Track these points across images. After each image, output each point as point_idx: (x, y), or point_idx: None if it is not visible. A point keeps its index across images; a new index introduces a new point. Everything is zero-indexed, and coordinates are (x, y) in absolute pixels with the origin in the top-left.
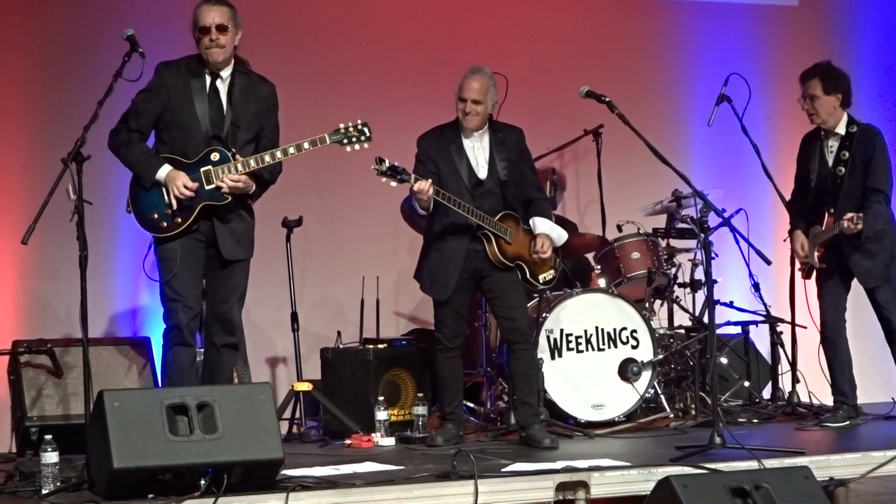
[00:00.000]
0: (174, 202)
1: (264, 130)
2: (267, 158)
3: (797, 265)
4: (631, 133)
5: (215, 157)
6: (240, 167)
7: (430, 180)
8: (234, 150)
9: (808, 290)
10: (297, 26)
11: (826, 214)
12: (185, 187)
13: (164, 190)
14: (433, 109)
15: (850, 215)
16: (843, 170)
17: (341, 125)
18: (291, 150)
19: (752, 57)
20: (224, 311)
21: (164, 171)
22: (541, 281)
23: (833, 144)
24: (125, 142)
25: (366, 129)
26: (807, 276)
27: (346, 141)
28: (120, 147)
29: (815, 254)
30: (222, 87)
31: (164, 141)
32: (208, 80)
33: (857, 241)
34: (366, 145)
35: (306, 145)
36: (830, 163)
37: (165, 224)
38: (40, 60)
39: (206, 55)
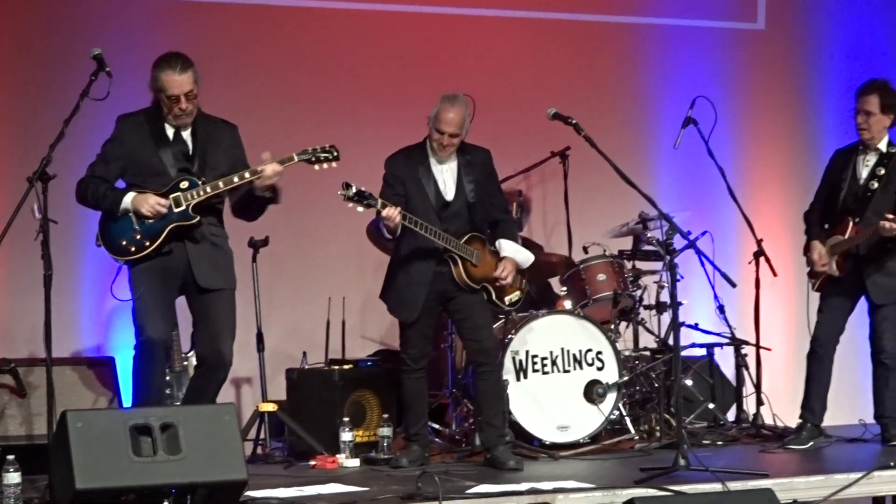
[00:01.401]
0: (149, 215)
1: (236, 169)
2: (235, 179)
3: (808, 279)
4: (598, 155)
5: (185, 184)
6: (209, 189)
7: (398, 207)
8: (203, 178)
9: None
10: (267, 47)
11: (850, 224)
12: (158, 203)
13: (132, 216)
14: (402, 130)
15: (890, 215)
16: (876, 184)
17: (309, 147)
18: (260, 169)
19: (718, 80)
20: (217, 343)
21: (130, 196)
22: (507, 302)
23: (871, 159)
24: (90, 186)
25: (333, 150)
26: (818, 287)
27: (314, 159)
28: (86, 193)
29: (834, 263)
30: (186, 133)
31: (134, 185)
32: (170, 129)
33: (874, 254)
34: (334, 164)
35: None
36: (864, 175)
37: (134, 248)
38: (5, 79)
39: (173, 120)
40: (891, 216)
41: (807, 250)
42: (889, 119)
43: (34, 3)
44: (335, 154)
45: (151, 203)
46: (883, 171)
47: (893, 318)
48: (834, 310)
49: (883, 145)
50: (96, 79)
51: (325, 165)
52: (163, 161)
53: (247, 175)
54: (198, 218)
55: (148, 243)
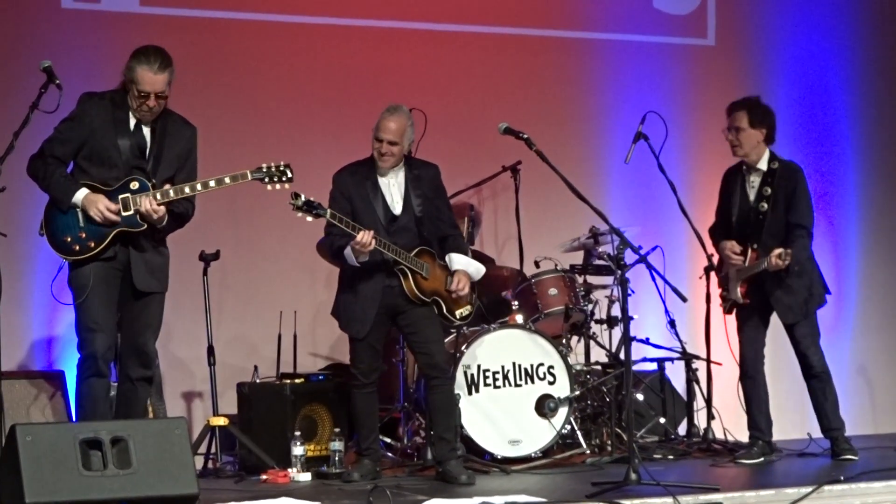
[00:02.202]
0: (98, 220)
1: (182, 171)
2: (187, 190)
3: (718, 302)
4: (549, 170)
5: (135, 185)
6: (159, 196)
7: (371, 231)
8: (154, 181)
9: (727, 325)
10: (217, 61)
11: (749, 250)
12: (108, 209)
13: (80, 213)
14: (351, 145)
15: (778, 251)
16: (766, 205)
17: (264, 164)
18: (212, 183)
19: (668, 95)
20: (140, 343)
21: (82, 194)
22: (457, 316)
23: (755, 180)
24: (43, 167)
25: (288, 171)
26: (728, 311)
27: (267, 180)
28: (38, 171)
29: (739, 290)
30: (146, 126)
31: (83, 169)
32: (132, 117)
33: (782, 275)
34: (286, 186)
35: (227, 180)
36: (752, 198)
37: (78, 247)
38: None
39: (137, 112)
40: (777, 251)
41: (719, 268)
42: (760, 133)
43: None
44: (289, 175)
45: (101, 208)
46: (769, 191)
47: (810, 333)
48: (751, 331)
49: (763, 164)
50: (46, 91)
51: (277, 186)
52: (119, 151)
53: (198, 187)
54: (145, 226)
55: (92, 244)
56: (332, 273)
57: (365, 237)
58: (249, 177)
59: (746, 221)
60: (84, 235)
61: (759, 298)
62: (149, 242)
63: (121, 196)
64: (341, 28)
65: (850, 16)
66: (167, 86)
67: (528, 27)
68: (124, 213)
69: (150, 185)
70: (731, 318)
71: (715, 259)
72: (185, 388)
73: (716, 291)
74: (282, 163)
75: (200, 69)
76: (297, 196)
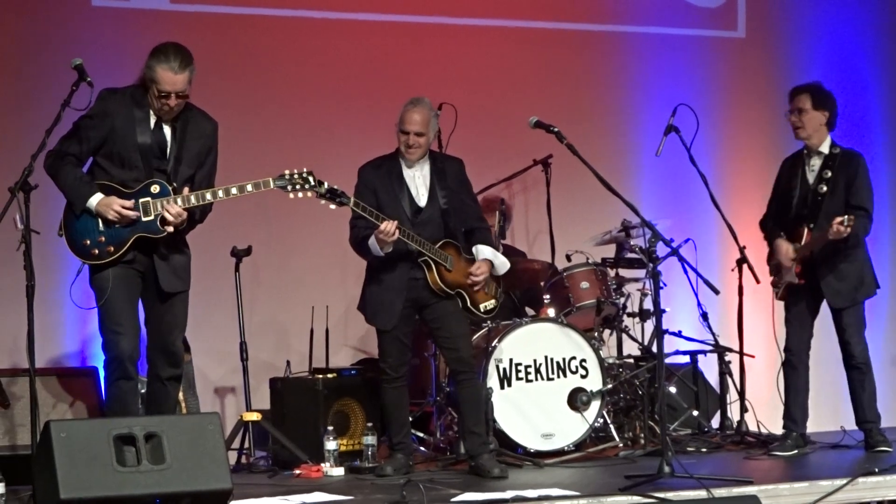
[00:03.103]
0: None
1: (203, 168)
2: (208, 196)
3: (772, 289)
4: (580, 163)
5: (155, 189)
6: (180, 202)
7: (394, 222)
8: (175, 184)
9: (775, 313)
10: (244, 57)
11: (805, 230)
12: (123, 207)
13: (97, 217)
14: (379, 140)
15: (840, 218)
16: (825, 188)
17: (286, 171)
18: (234, 190)
19: (699, 88)
20: (168, 342)
21: (96, 199)
22: (482, 310)
23: (815, 163)
24: (60, 165)
25: (311, 178)
26: (781, 296)
27: (289, 187)
28: (55, 169)
29: (794, 270)
30: (166, 125)
31: (102, 168)
32: (153, 117)
33: (836, 259)
34: (309, 194)
35: (249, 187)
36: (812, 181)
37: (97, 251)
38: None
39: (158, 111)
40: (839, 219)
41: (770, 257)
42: (823, 116)
43: (13, 13)
44: (312, 183)
45: (117, 209)
46: (830, 174)
47: (856, 322)
48: (800, 318)
49: (825, 147)
50: (77, 89)
51: (300, 194)
52: (139, 152)
53: (220, 193)
54: (165, 233)
55: (112, 249)
56: (364, 268)
57: (389, 226)
58: (272, 184)
59: (804, 203)
60: (103, 240)
61: (810, 284)
62: (168, 244)
63: (141, 200)
64: (368, 24)
65: (881, 7)
66: (188, 84)
67: (557, 21)
68: (144, 219)
69: (170, 188)
70: (770, 310)
71: (747, 251)
72: (218, 384)
73: (748, 284)
74: (304, 170)
75: (227, 66)
76: (320, 183)
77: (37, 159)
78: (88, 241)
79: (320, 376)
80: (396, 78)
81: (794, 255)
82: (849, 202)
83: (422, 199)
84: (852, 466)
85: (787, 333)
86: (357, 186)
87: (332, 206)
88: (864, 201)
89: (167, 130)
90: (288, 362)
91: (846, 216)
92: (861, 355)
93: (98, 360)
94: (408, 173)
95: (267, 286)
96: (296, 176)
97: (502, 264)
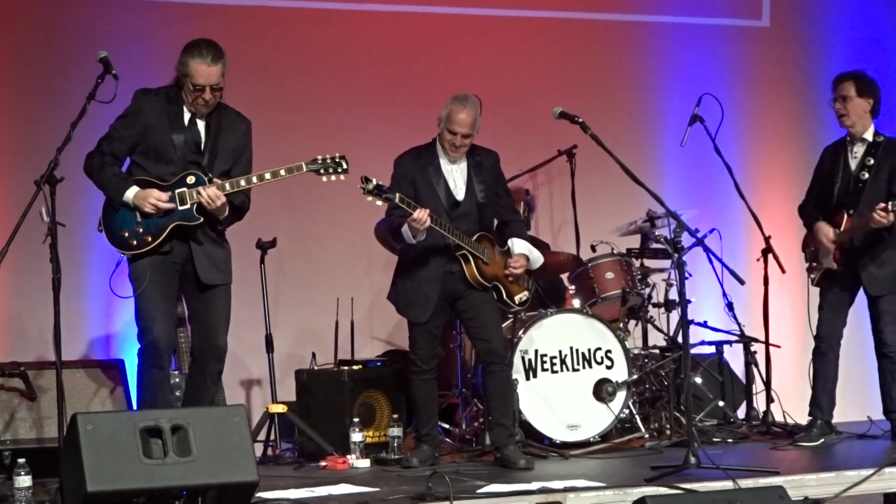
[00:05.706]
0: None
1: (238, 166)
2: (242, 183)
3: (807, 275)
4: (604, 154)
5: (191, 179)
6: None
7: (427, 210)
8: (210, 175)
9: (810, 299)
10: (272, 50)
11: (845, 216)
12: (159, 199)
13: (135, 210)
14: (408, 130)
15: (882, 205)
16: (867, 175)
17: (319, 156)
18: (268, 175)
19: (724, 77)
20: (213, 337)
21: (132, 192)
22: (516, 301)
23: (858, 150)
24: (98, 165)
25: (343, 162)
26: (817, 283)
27: (322, 171)
28: (93, 170)
29: (832, 255)
30: (200, 120)
31: (140, 166)
32: (187, 112)
33: (877, 248)
34: (342, 177)
35: (283, 172)
36: (854, 167)
37: (135, 242)
38: (12, 83)
39: (192, 106)
40: (882, 205)
41: (805, 245)
42: (867, 103)
43: (39, 6)
44: (344, 167)
45: (153, 201)
46: (872, 161)
47: (892, 310)
48: (834, 306)
49: (869, 135)
50: (102, 81)
51: (332, 177)
52: (174, 147)
53: (254, 179)
54: (201, 220)
55: (150, 239)
56: (389, 259)
57: (421, 214)
58: (305, 168)
59: (846, 190)
60: (141, 230)
61: (848, 272)
62: (207, 236)
63: (177, 191)
64: (394, 15)
65: None
66: (221, 77)
67: (582, 11)
68: (181, 208)
69: (206, 179)
70: (796, 300)
71: (772, 241)
72: (244, 376)
73: (774, 273)
74: (336, 154)
75: (255, 58)
76: (367, 180)
77: (62, 152)
78: (127, 233)
79: (346, 368)
80: (422, 68)
81: (835, 238)
82: (891, 190)
83: (460, 192)
84: (879, 457)
85: (819, 320)
86: (394, 177)
87: (379, 203)
88: None
89: (201, 126)
90: (313, 354)
91: (889, 202)
92: (894, 344)
93: (124, 353)
94: (445, 166)
95: (292, 278)
96: (328, 160)
97: (537, 258)
